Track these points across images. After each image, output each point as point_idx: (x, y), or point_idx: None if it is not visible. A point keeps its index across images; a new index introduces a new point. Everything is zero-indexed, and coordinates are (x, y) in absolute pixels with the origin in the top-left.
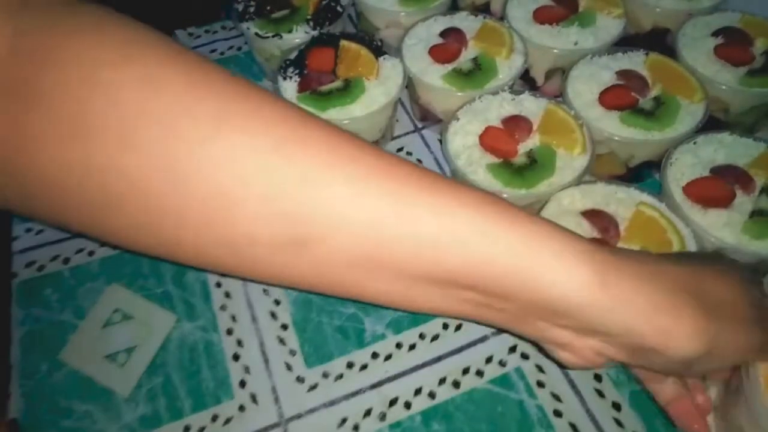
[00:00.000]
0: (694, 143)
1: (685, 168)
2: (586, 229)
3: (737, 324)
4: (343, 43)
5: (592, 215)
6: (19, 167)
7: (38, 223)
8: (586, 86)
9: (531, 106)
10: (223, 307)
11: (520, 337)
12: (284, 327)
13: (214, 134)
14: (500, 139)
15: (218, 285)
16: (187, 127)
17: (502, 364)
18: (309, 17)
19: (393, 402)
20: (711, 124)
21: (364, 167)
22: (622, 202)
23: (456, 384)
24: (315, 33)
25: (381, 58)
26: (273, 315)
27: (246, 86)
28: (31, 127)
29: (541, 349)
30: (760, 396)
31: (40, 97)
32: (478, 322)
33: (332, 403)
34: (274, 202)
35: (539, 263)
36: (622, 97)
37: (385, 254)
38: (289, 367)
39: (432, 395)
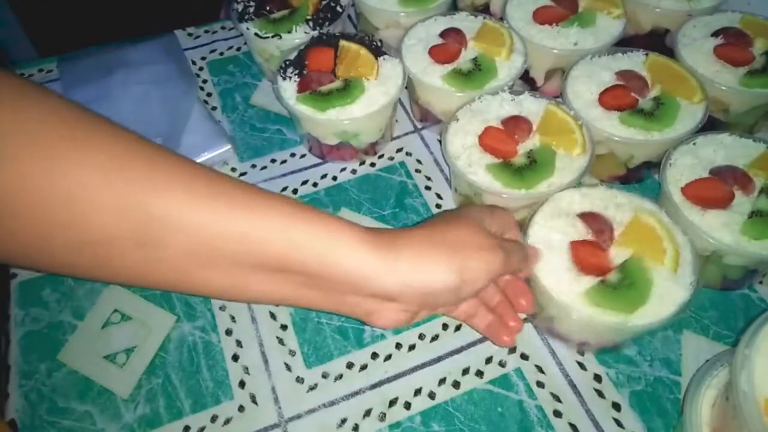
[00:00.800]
0: (694, 144)
1: (684, 169)
2: (580, 230)
3: (479, 251)
4: (343, 43)
5: (588, 217)
6: None
7: None
8: (585, 87)
9: (531, 106)
10: (222, 308)
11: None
12: (284, 327)
13: (62, 152)
14: (500, 139)
15: None
16: (39, 146)
17: (501, 364)
18: (309, 17)
19: (393, 402)
20: (711, 125)
21: (193, 177)
22: (621, 206)
23: (456, 384)
24: (314, 33)
25: (381, 59)
26: (272, 315)
27: (93, 118)
28: None
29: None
30: (759, 418)
31: None
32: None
33: (332, 403)
34: (120, 209)
35: (336, 246)
36: (621, 97)
37: (219, 250)
38: (288, 368)
39: (432, 396)
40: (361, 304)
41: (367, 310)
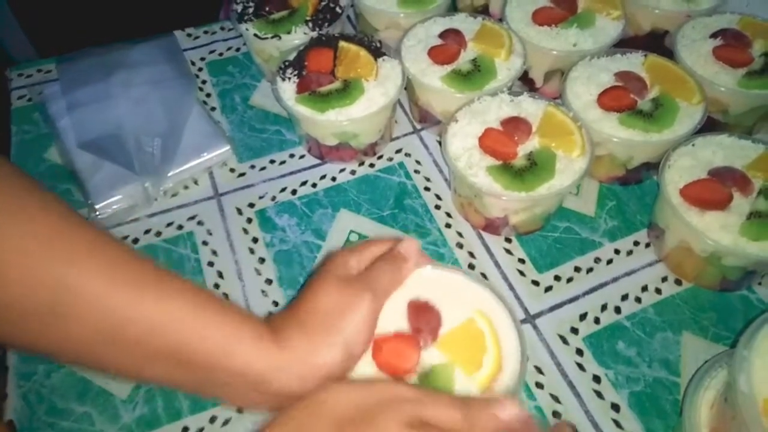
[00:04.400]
0: (693, 145)
1: (683, 170)
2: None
3: (349, 308)
4: (342, 44)
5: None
6: None
7: None
8: (584, 88)
9: (530, 107)
10: None
11: None
12: None
13: None
14: (500, 141)
15: (216, 286)
16: None
17: None
18: (308, 18)
19: None
20: (709, 126)
21: (113, 258)
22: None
23: None
24: (314, 34)
25: (380, 60)
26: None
27: (24, 187)
28: None
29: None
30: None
31: None
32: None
33: None
34: (37, 279)
35: (233, 342)
36: (620, 98)
37: (124, 332)
38: None
39: None
40: (261, 400)
41: (269, 406)
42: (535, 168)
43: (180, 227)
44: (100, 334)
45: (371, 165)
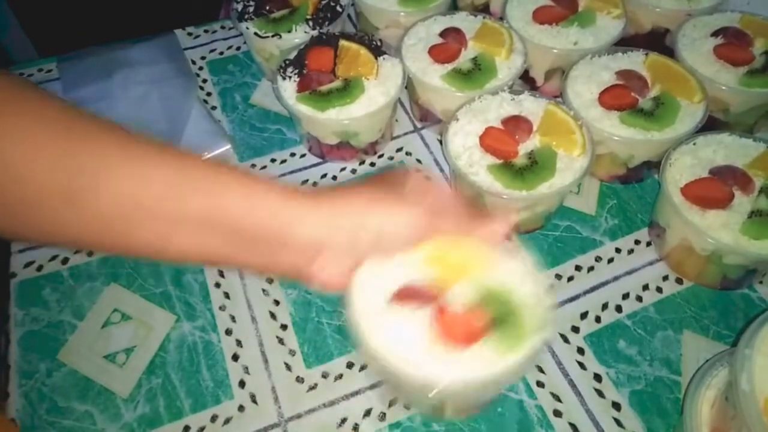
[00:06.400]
0: (694, 144)
1: (684, 169)
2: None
3: (385, 206)
4: (343, 42)
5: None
6: None
7: None
8: (585, 86)
9: (531, 106)
10: (222, 308)
11: None
12: (284, 327)
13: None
14: (500, 139)
15: (217, 285)
16: None
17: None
18: (308, 17)
19: (392, 402)
20: (710, 125)
21: (126, 136)
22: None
23: None
24: (314, 33)
25: (380, 58)
26: (272, 315)
27: (31, 90)
28: None
29: None
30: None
31: None
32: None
33: (332, 403)
34: (52, 163)
35: (256, 194)
36: (621, 97)
37: (144, 202)
38: (288, 367)
39: None
40: (296, 260)
41: (304, 267)
42: (536, 167)
43: None
44: (120, 209)
45: (372, 164)
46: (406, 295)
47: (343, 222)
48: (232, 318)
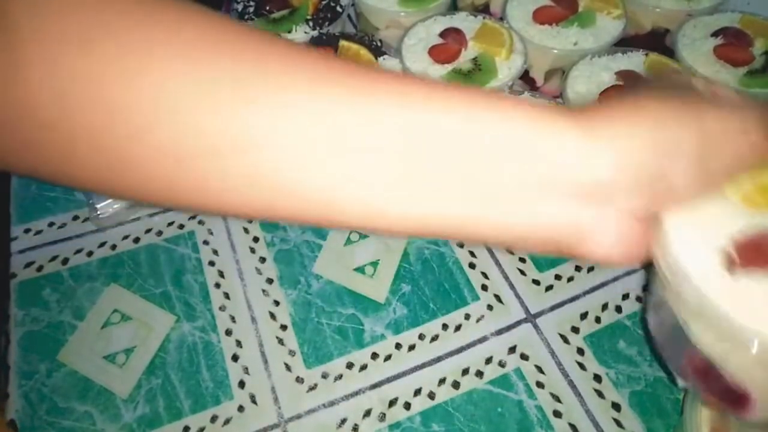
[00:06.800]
0: None
1: None
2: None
3: (678, 116)
4: (343, 43)
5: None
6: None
7: (37, 223)
8: (585, 87)
9: None
10: (222, 308)
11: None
12: (283, 327)
13: (165, 63)
14: None
15: (217, 286)
16: (122, 54)
17: (501, 364)
18: (308, 17)
19: (392, 402)
20: None
21: (327, 63)
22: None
23: (455, 384)
24: (314, 33)
25: (381, 59)
26: (272, 315)
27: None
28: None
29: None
30: None
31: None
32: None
33: (332, 403)
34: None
35: (511, 118)
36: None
37: (347, 136)
38: (288, 368)
39: (431, 396)
40: (564, 216)
41: (576, 227)
42: None
43: (181, 226)
44: (318, 145)
45: None
46: (758, 251)
47: (644, 142)
48: (232, 318)
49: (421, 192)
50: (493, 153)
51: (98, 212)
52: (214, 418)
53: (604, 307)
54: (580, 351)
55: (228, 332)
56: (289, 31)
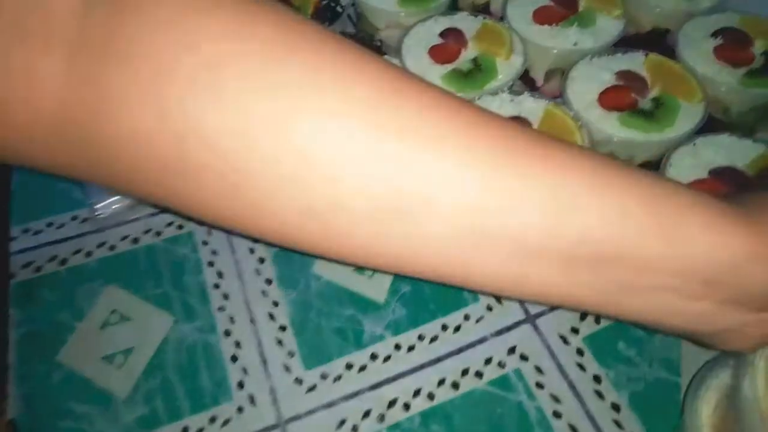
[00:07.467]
0: (694, 144)
1: (684, 170)
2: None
3: None
4: None
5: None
6: (91, 132)
7: (36, 223)
8: (585, 87)
9: (530, 106)
10: (221, 309)
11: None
12: (282, 328)
13: (300, 103)
14: None
15: (216, 286)
16: (273, 91)
17: (501, 365)
18: (308, 17)
19: (392, 403)
20: (711, 125)
21: (469, 131)
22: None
23: (455, 385)
24: None
25: None
26: (271, 316)
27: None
28: (107, 86)
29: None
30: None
31: (116, 51)
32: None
33: (331, 404)
34: (369, 165)
35: (672, 223)
36: (621, 97)
37: (495, 225)
38: (287, 369)
39: (431, 396)
40: (720, 319)
41: (718, 326)
42: None
43: (180, 227)
44: (459, 229)
45: None
46: None
47: None
48: (231, 319)
49: (583, 286)
50: (674, 266)
51: (97, 212)
52: (213, 419)
53: None
54: (580, 352)
55: (227, 333)
56: None
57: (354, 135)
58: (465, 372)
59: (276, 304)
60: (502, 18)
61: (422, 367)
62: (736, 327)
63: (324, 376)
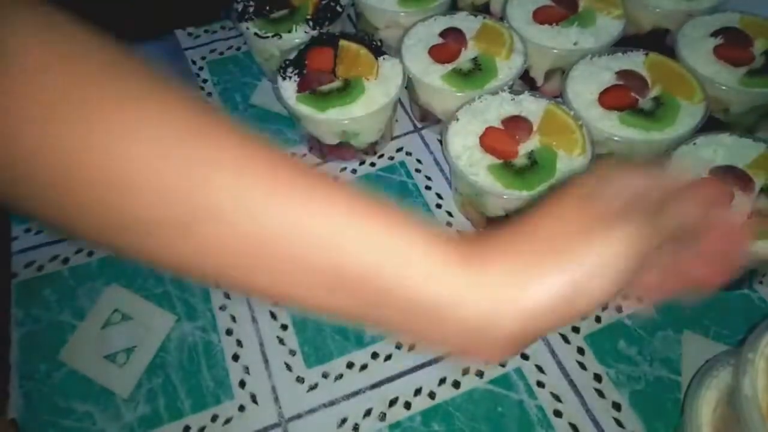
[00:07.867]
0: (694, 144)
1: (684, 169)
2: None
3: (587, 241)
4: (343, 43)
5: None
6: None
7: (37, 223)
8: (585, 86)
9: (531, 106)
10: (222, 308)
11: None
12: (284, 327)
13: (118, 122)
14: (501, 139)
15: (217, 285)
16: (79, 114)
17: (502, 364)
18: (308, 17)
19: (393, 402)
20: (711, 125)
21: (264, 164)
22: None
23: (456, 384)
24: (314, 33)
25: (380, 58)
26: (273, 315)
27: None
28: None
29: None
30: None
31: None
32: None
33: (332, 403)
34: (166, 186)
35: (405, 261)
36: (621, 97)
37: (271, 249)
38: (288, 367)
39: (432, 395)
40: (456, 340)
41: (470, 348)
42: (536, 167)
43: None
44: (247, 246)
45: (372, 164)
46: None
47: (514, 313)
48: (233, 318)
49: (340, 302)
50: (399, 295)
51: None
52: (214, 418)
53: (605, 307)
54: (581, 350)
55: (228, 332)
56: (289, 31)
57: (160, 152)
58: (466, 371)
59: (275, 303)
60: (502, 18)
61: (423, 365)
62: (468, 343)
63: (325, 375)
